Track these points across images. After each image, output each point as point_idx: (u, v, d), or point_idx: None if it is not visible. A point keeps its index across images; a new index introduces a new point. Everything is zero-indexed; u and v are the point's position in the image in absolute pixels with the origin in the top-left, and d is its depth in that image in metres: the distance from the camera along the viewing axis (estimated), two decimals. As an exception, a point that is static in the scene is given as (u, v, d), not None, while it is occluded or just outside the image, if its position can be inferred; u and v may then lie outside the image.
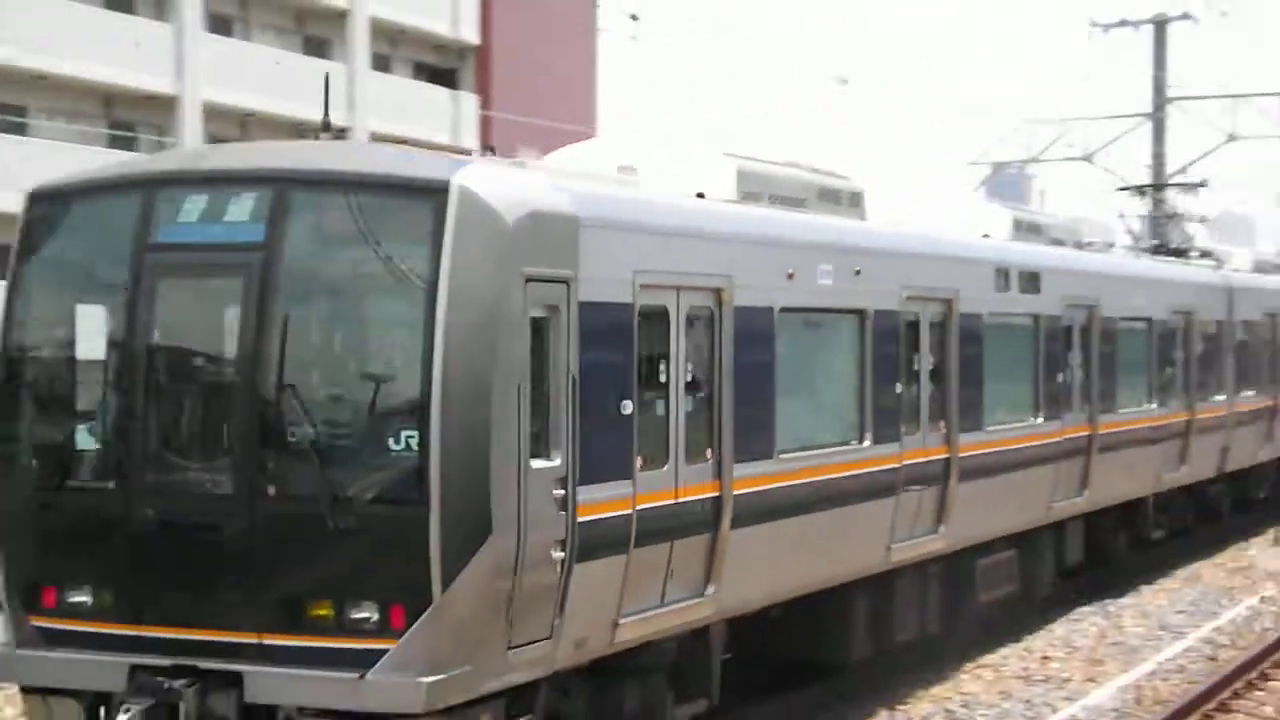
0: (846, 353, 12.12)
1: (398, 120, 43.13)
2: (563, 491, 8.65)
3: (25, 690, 8.69)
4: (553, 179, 9.28)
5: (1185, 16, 37.03)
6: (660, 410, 9.67)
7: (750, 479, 10.38)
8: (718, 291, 10.19)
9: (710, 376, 10.13)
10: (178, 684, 8.03)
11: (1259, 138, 40.84)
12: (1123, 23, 37.52)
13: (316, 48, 42.11)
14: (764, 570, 10.64)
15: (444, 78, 46.30)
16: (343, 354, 8.65)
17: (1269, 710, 12.84)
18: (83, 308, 8.94)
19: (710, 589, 10.05)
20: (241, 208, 8.40)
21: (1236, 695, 13.08)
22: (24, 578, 8.68)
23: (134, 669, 8.15)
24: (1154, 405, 18.69)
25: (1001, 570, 14.68)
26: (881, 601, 12.49)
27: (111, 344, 8.65)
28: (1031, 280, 15.42)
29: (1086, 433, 16.32)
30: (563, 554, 8.63)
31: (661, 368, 9.69)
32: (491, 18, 46.14)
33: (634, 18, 24.38)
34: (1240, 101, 38.76)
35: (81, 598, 8.53)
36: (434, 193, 8.17)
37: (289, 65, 39.91)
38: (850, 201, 13.09)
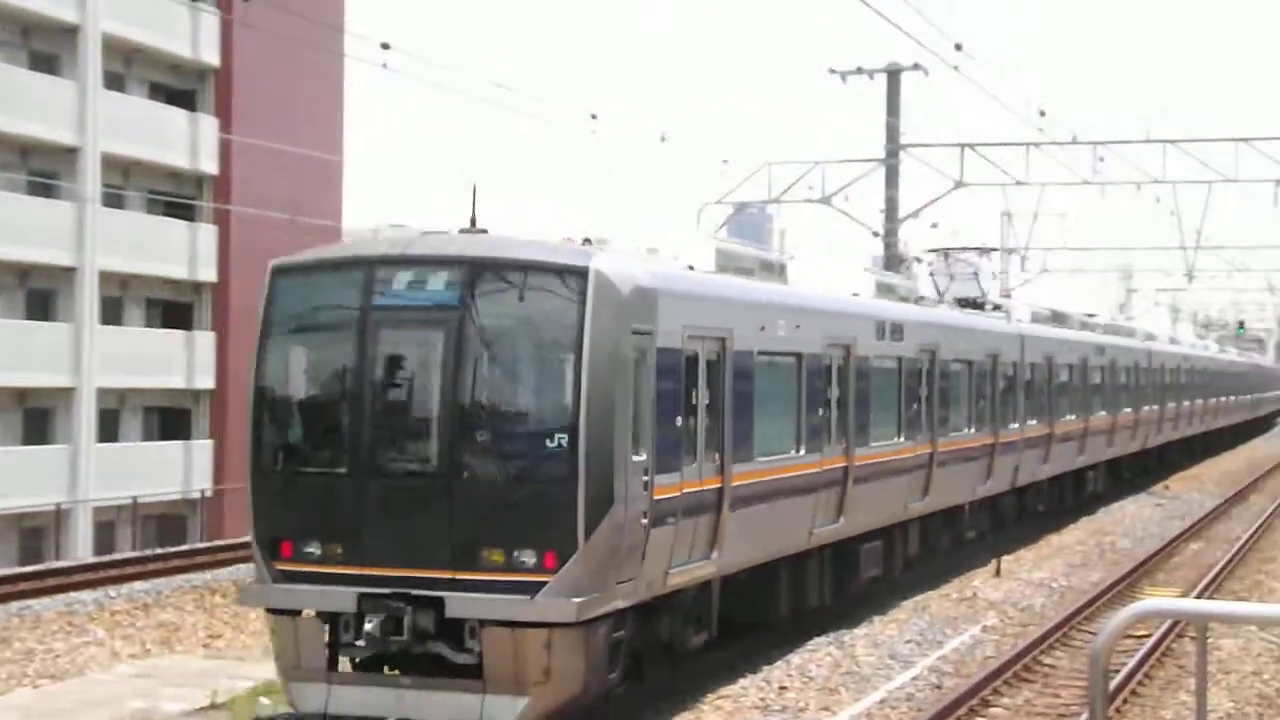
0: (791, 384, 16.45)
1: (133, 141, 41.91)
2: (647, 478, 12.57)
3: (271, 611, 12.56)
4: (639, 261, 13.42)
5: (917, 67, 38.40)
6: (693, 423, 13.62)
7: (741, 474, 14.48)
8: (723, 340, 14.29)
9: (718, 400, 14.15)
10: (399, 604, 11.81)
11: (984, 185, 42.60)
12: (859, 70, 38.69)
13: (45, 64, 40.57)
14: (745, 541, 14.72)
15: (182, 99, 45.11)
16: (515, 381, 12.57)
17: (992, 736, 13.33)
18: (315, 348, 13.02)
19: (714, 554, 14.02)
20: (439, 281, 12.36)
21: (962, 722, 13.54)
22: (269, 536, 12.56)
23: (361, 596, 11.93)
24: (971, 430, 23.58)
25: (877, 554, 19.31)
26: (797, 575, 16.79)
27: (344, 374, 12.59)
28: (897, 330, 19.99)
29: (928, 449, 20.96)
30: (646, 521, 12.54)
31: (693, 393, 13.68)
32: (232, 40, 45.16)
33: (385, 46, 24.15)
34: (968, 149, 40.34)
35: (312, 549, 12.34)
36: (578, 273, 12.12)
37: (16, 81, 38.48)
38: (780, 271, 17.56)
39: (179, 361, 43.65)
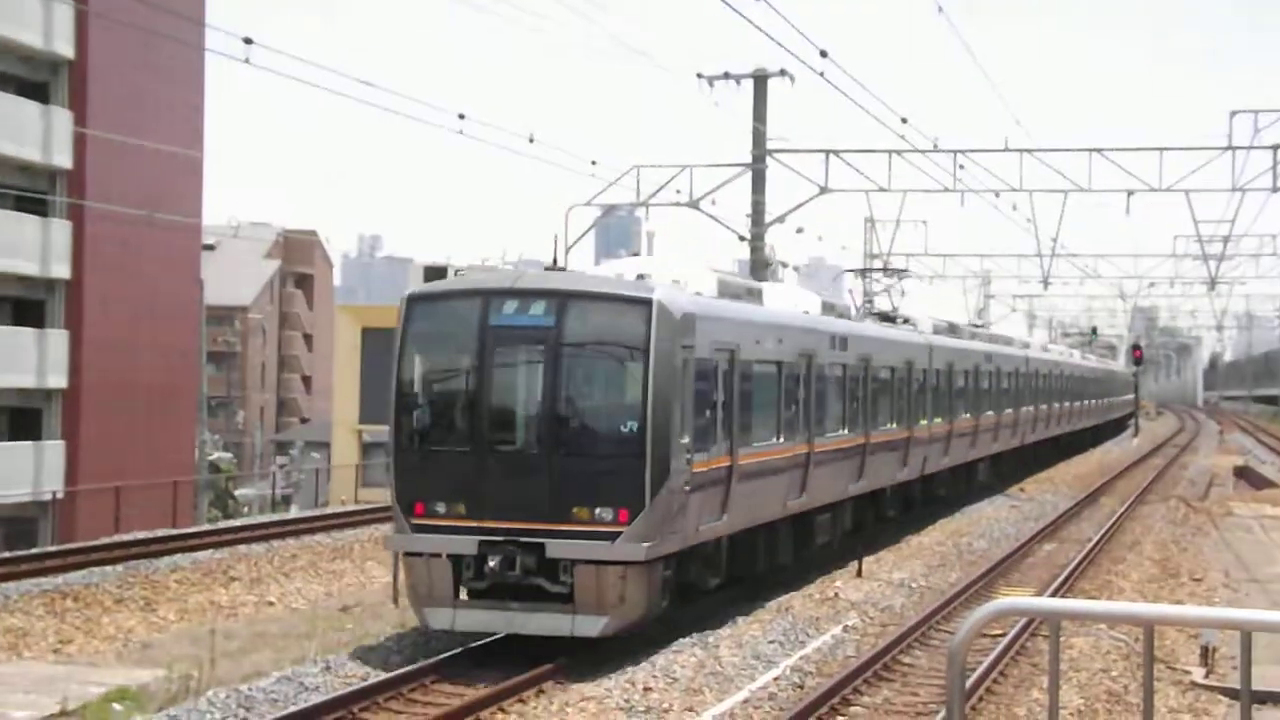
0: (774, 386, 20.63)
1: (-18, 132, 40.82)
2: (689, 455, 16.73)
3: (408, 554, 16.44)
4: (682, 292, 17.54)
5: (784, 74, 38.73)
6: (714, 416, 17.86)
7: (743, 456, 18.72)
8: (732, 352, 18.52)
9: (730, 398, 18.35)
10: (511, 548, 15.81)
11: (848, 191, 43.08)
12: (726, 76, 38.92)
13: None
14: (743, 508, 18.78)
15: (35, 91, 43.99)
16: (596, 382, 16.78)
17: (852, 734, 13.49)
18: (444, 355, 17.29)
19: (725, 517, 18.21)
20: (539, 308, 16.39)
21: (823, 721, 13.68)
22: (407, 499, 16.44)
23: (481, 542, 15.89)
24: (892, 425, 27.82)
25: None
26: (771, 538, 20.85)
27: (467, 375, 16.69)
28: (843, 342, 24.49)
29: (862, 440, 25.30)
30: (688, 488, 16.67)
31: (715, 393, 17.91)
32: (88, 31, 44.17)
33: (248, 40, 23.78)
34: (833, 155, 40.77)
35: (441, 508, 16.23)
36: (644, 303, 16.26)
37: None
38: (758, 295, 21.89)
39: (29, 360, 42.60)
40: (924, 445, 30.18)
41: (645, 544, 15.80)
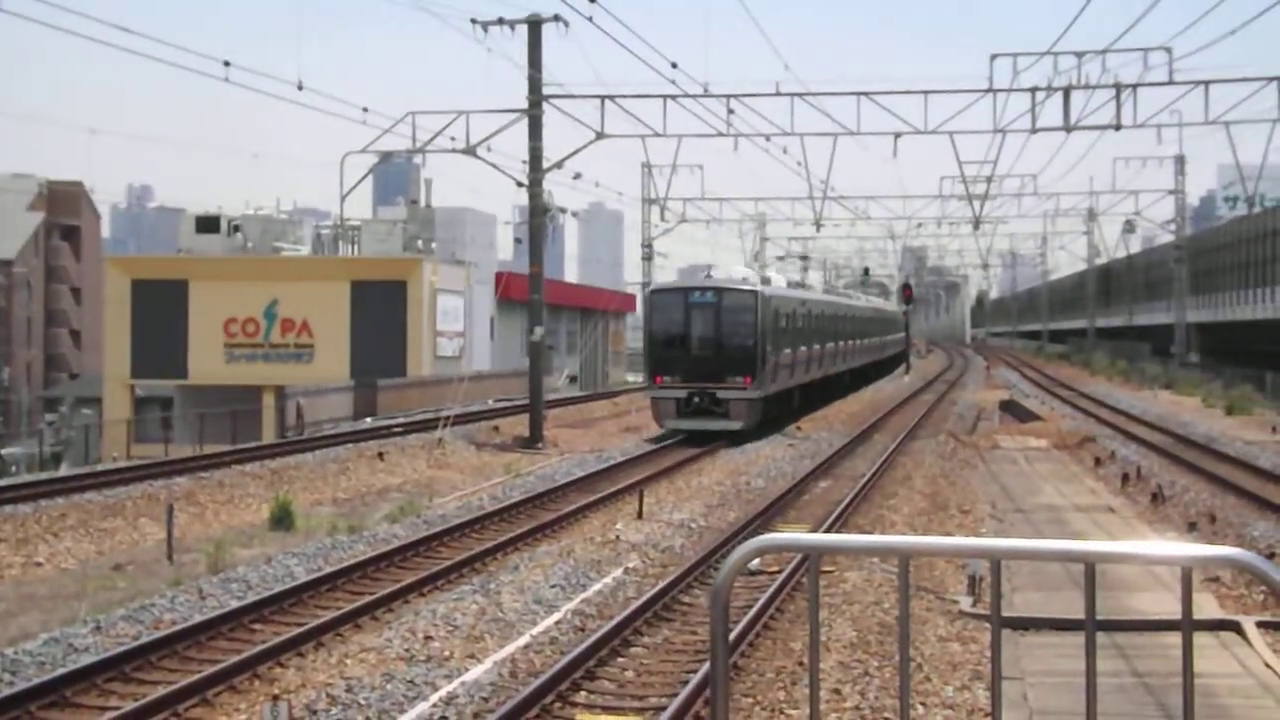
0: (798, 325, 44.75)
1: None
2: (770, 354, 39.53)
3: (655, 398, 39.44)
4: (766, 286, 40.99)
5: (558, 19, 38.64)
6: (778, 339, 40.94)
7: (785, 356, 42.23)
8: (785, 310, 42.16)
9: (783, 330, 41.77)
10: (701, 394, 37.93)
11: (623, 136, 43.23)
12: (500, 21, 38.68)
13: None
14: (785, 379, 42.57)
15: None
16: (737, 326, 38.58)
17: (630, 675, 13.68)
18: (669, 318, 39.15)
19: (779, 382, 41.72)
20: (710, 294, 38.92)
21: (602, 662, 13.86)
22: (654, 374, 38.67)
23: (689, 391, 37.84)
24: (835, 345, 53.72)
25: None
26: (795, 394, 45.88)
27: (680, 324, 38.78)
28: (812, 304, 49.33)
29: (820, 350, 49.56)
30: (770, 368, 39.51)
31: (778, 328, 40.88)
32: None
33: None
34: (609, 100, 40.82)
35: (669, 379, 38.11)
36: (753, 291, 39.27)
37: None
38: (798, 286, 51.97)
39: None
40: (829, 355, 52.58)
41: (756, 392, 38.18)
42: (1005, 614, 14.18)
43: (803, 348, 45.11)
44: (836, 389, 55.73)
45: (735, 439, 36.76)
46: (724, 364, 37.80)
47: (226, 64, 30.26)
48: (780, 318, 41.09)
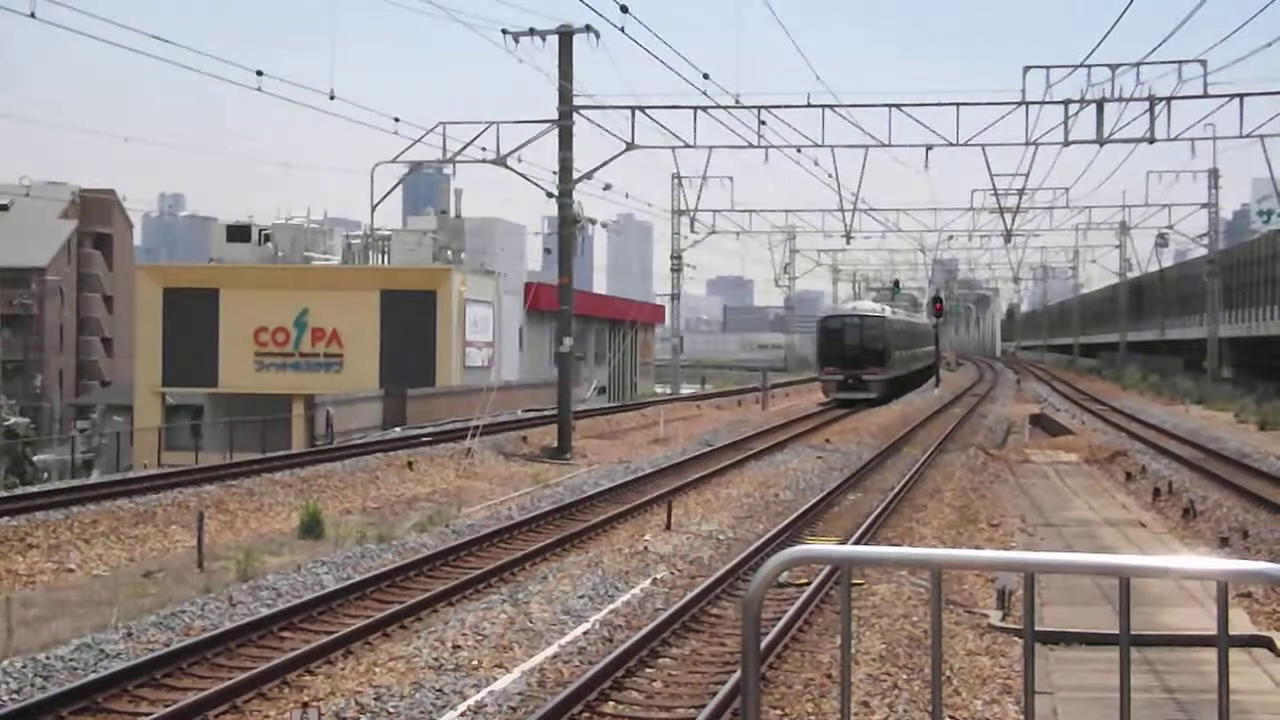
0: (904, 338, 74.19)
1: None
2: (891, 353, 66.47)
3: (822, 379, 66.72)
4: (888, 312, 71.86)
5: (589, 29, 38.71)
6: (895, 344, 68.47)
7: (900, 356, 71.17)
8: (900, 327, 72.96)
9: (897, 340, 69.42)
10: (852, 377, 62.72)
11: (653, 147, 43.29)
12: (531, 32, 38.76)
13: None
14: (897, 369, 69.48)
15: None
16: (873, 338, 64.54)
17: (658, 685, 13.67)
18: (832, 332, 65.35)
19: (894, 372, 68.68)
20: (856, 319, 65.55)
21: (630, 673, 13.85)
22: (821, 367, 66.23)
23: (845, 375, 64.19)
24: (917, 351, 79.48)
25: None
26: (904, 384, 73.20)
27: (836, 335, 64.65)
28: (908, 323, 79.33)
29: (911, 353, 77.38)
30: (892, 361, 66.63)
31: (896, 339, 69.09)
32: None
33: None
34: (639, 112, 40.88)
35: (832, 369, 63.85)
36: (881, 315, 67.35)
37: None
38: (909, 309, 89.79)
39: None
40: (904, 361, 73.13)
41: (884, 375, 63.41)
42: (1035, 628, 14.13)
43: (901, 351, 70.58)
44: (910, 383, 76.23)
45: (872, 404, 60.56)
46: (865, 359, 63.15)
47: (259, 73, 30.41)
48: (893, 333, 67.52)
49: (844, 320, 65.40)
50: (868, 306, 69.26)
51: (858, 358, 62.72)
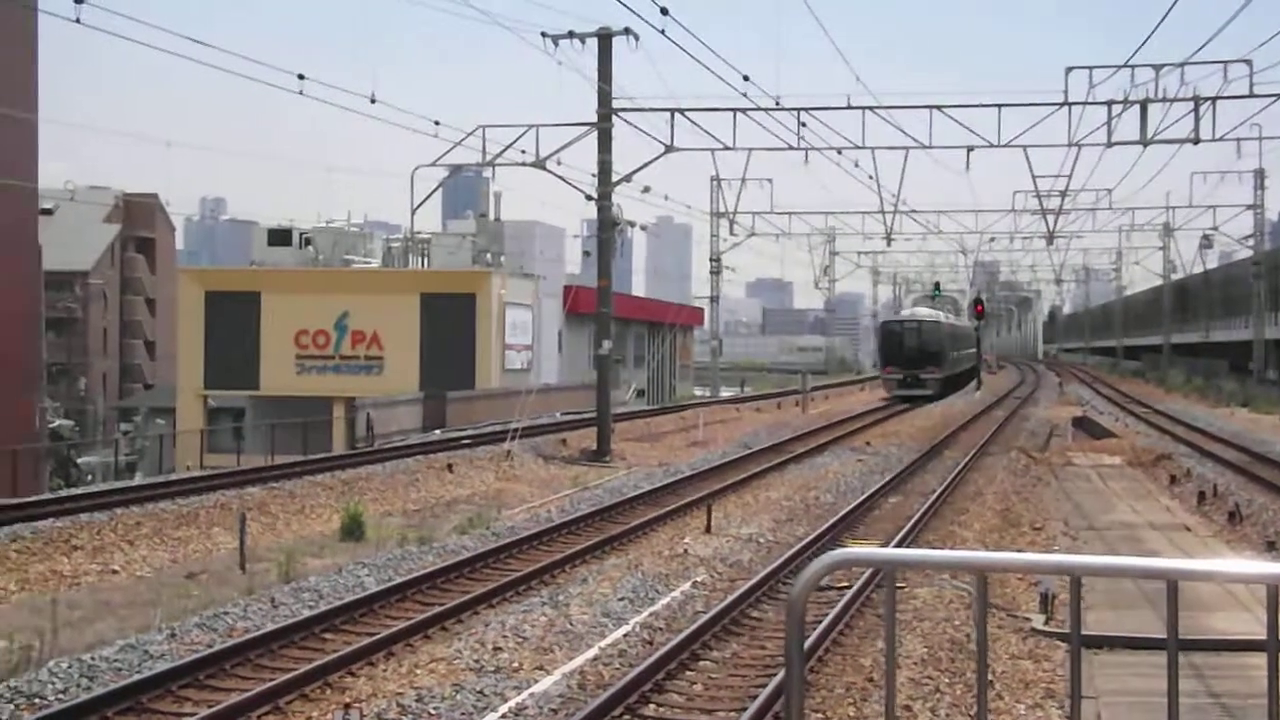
0: (958, 339, 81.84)
1: None
2: (948, 353, 74.66)
3: (884, 379, 73.98)
4: (944, 316, 79.85)
5: (628, 32, 38.71)
6: (950, 345, 76.30)
7: (952, 356, 77.66)
8: (952, 331, 79.61)
9: (951, 342, 77.47)
10: (911, 375, 70.08)
11: (692, 150, 43.22)
12: (570, 35, 38.80)
13: None
14: (950, 368, 76.18)
15: None
16: (929, 339, 71.17)
17: (699, 688, 13.64)
18: (894, 335, 72.18)
19: (949, 370, 76.22)
20: (915, 323, 72.39)
21: (670, 675, 13.83)
22: (883, 365, 74.03)
23: (904, 374, 69.78)
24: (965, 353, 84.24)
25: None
26: (956, 383, 79.07)
27: (898, 336, 71.55)
28: (956, 327, 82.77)
29: (957, 354, 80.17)
30: (948, 361, 74.56)
31: (949, 340, 76.62)
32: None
33: (78, 0, 23.18)
34: (678, 114, 40.84)
35: (893, 368, 70.95)
36: (938, 320, 74.58)
37: None
38: (958, 314, 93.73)
39: None
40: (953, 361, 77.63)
41: (940, 374, 70.38)
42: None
43: (954, 353, 77.31)
44: (960, 383, 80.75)
45: (929, 400, 66.51)
46: (923, 359, 69.96)
47: (301, 77, 30.55)
48: (947, 337, 74.36)
49: (904, 325, 72.74)
50: (925, 312, 76.40)
51: (916, 358, 69.83)
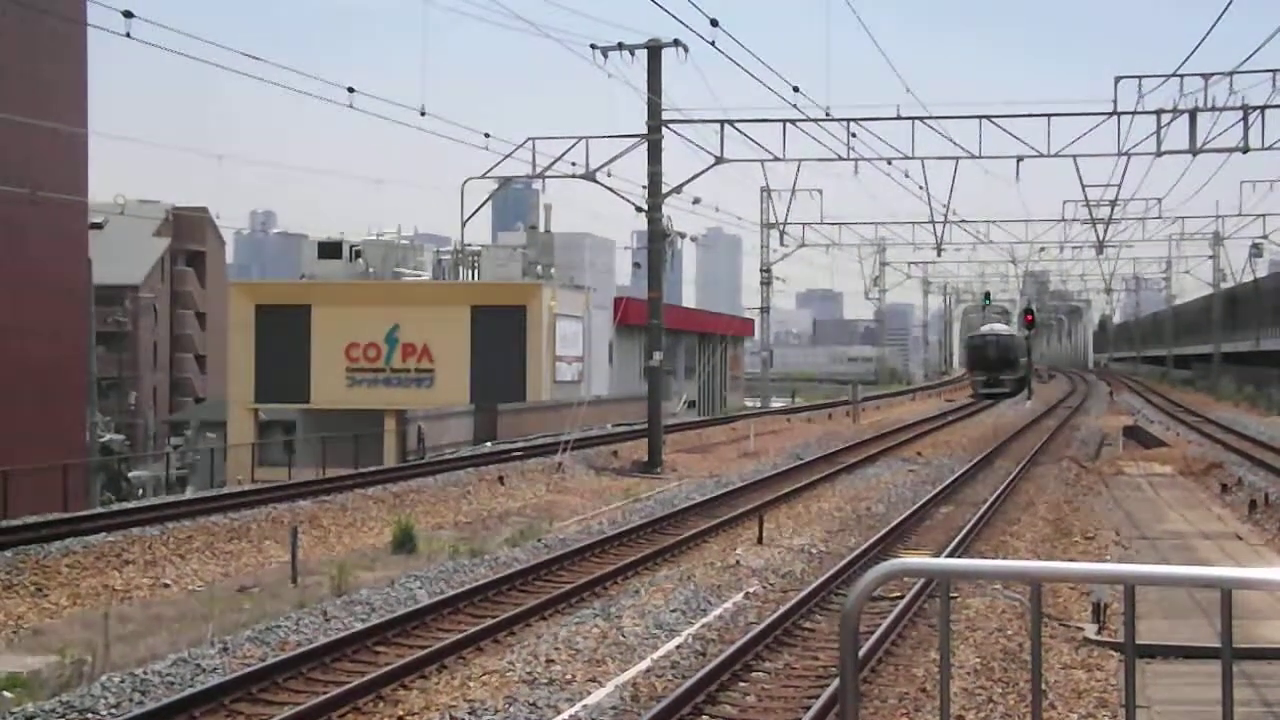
0: (1018, 348, 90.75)
1: None
2: (1018, 358, 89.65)
3: (971, 380, 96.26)
4: (1015, 328, 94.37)
5: (677, 44, 38.76)
6: (1021, 351, 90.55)
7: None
8: (1023, 340, 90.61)
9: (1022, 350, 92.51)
10: (995, 374, 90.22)
11: (742, 161, 43.22)
12: (620, 47, 38.88)
13: None
14: (1022, 375, 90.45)
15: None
16: (1007, 349, 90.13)
17: (751, 700, 13.61)
18: (977, 342, 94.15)
19: (1020, 372, 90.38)
20: (994, 335, 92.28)
21: (723, 687, 13.81)
22: (969, 367, 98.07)
23: (988, 375, 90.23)
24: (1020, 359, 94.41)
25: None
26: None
27: (981, 347, 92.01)
28: (1012, 336, 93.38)
29: (1013, 359, 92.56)
30: (1019, 365, 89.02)
31: (1020, 349, 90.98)
32: (-32, 8, 43.19)
33: (128, 14, 23.38)
34: (728, 125, 40.85)
35: (977, 372, 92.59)
36: (1013, 334, 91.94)
37: None
38: (1018, 326, 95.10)
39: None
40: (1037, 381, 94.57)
41: (1013, 376, 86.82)
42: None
43: (1022, 359, 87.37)
44: (1023, 383, 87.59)
45: (1007, 396, 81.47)
46: (1002, 365, 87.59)
47: (351, 90, 30.74)
48: (1018, 346, 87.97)
49: (985, 338, 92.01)
50: (1001, 328, 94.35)
51: (996, 364, 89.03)
